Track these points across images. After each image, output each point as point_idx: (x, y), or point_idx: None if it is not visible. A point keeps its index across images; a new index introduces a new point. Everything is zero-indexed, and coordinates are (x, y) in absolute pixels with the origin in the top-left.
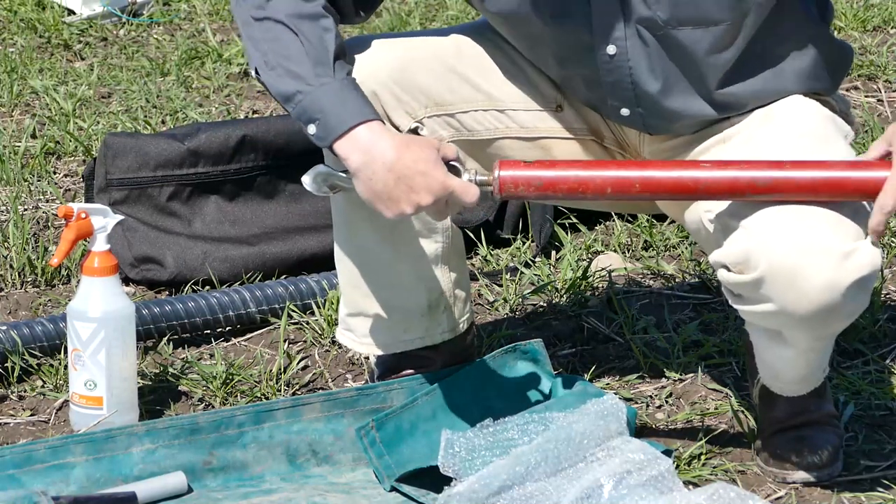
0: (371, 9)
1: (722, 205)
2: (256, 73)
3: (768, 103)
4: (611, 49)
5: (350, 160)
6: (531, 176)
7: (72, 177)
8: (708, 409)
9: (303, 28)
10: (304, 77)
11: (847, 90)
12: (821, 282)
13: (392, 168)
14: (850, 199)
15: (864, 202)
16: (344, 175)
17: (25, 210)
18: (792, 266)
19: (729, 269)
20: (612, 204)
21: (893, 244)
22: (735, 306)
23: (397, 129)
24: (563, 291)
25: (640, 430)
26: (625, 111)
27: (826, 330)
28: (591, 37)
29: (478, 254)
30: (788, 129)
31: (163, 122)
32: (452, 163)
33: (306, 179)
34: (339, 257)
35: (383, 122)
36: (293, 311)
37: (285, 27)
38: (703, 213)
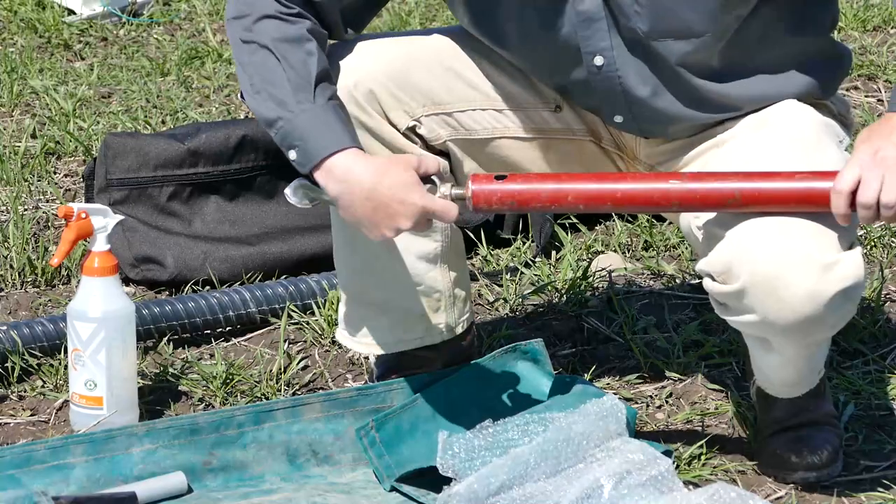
0: (360, 27)
1: (709, 213)
2: (242, 97)
3: (763, 107)
4: (598, 60)
5: (329, 188)
6: (504, 190)
7: (72, 177)
8: (708, 409)
9: (286, 53)
10: (285, 103)
11: (847, 90)
12: (802, 292)
13: (369, 196)
14: (808, 209)
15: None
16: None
17: (25, 210)
18: (773, 276)
19: (713, 279)
20: None
21: (893, 244)
22: (722, 316)
23: (395, 127)
24: (563, 291)
25: (640, 431)
26: (618, 118)
27: (810, 339)
28: (578, 48)
29: (478, 254)
30: (781, 134)
31: (163, 122)
32: (433, 177)
33: (288, 192)
34: (339, 257)
35: (362, 148)
36: (293, 311)
37: (269, 52)
38: (692, 219)
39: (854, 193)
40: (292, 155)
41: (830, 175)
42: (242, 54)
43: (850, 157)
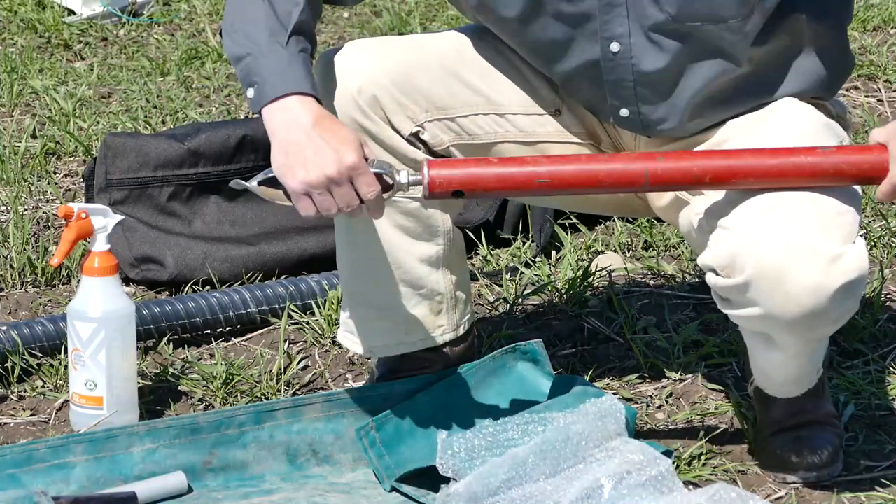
0: None
1: (711, 207)
2: (220, 35)
3: (764, 104)
4: (615, 46)
5: (272, 122)
6: (460, 174)
7: (72, 177)
8: (708, 409)
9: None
10: (258, 41)
11: (847, 90)
12: (807, 285)
13: (307, 132)
14: (837, 182)
15: (857, 201)
16: (253, 185)
17: (25, 210)
18: (778, 269)
19: (717, 273)
20: (608, 207)
21: (893, 244)
22: (724, 311)
23: (398, 133)
24: (563, 291)
25: (640, 431)
26: (624, 111)
27: (814, 334)
28: (595, 34)
29: (478, 254)
30: (782, 133)
31: (163, 122)
32: (381, 170)
33: (253, 184)
34: (341, 260)
35: (319, 101)
36: (293, 311)
37: None
38: (692, 215)
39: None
40: (250, 93)
41: (862, 149)
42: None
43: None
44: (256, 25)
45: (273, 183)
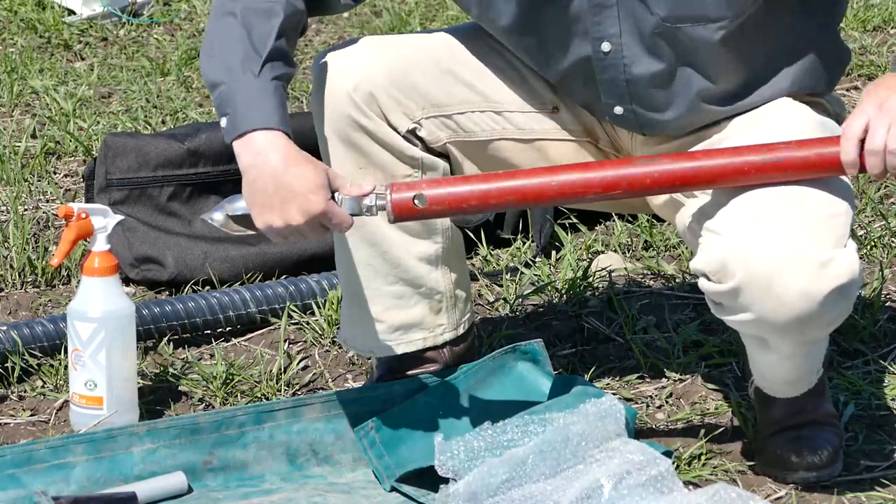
0: None
1: (703, 210)
2: (199, 55)
3: (763, 103)
4: (605, 46)
5: (241, 158)
6: (425, 196)
7: (72, 177)
8: (708, 409)
9: (251, 22)
10: (232, 70)
11: (847, 90)
12: (797, 290)
13: (276, 177)
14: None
15: (848, 206)
16: (220, 219)
17: (25, 210)
18: (768, 274)
19: (709, 278)
20: (606, 204)
21: (893, 244)
22: (717, 315)
23: (395, 130)
24: (563, 291)
25: (640, 431)
26: (618, 109)
27: (806, 337)
28: (586, 34)
29: (478, 254)
30: (778, 133)
31: (163, 122)
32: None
33: (218, 217)
34: (340, 259)
35: (289, 135)
36: (293, 311)
37: (236, 19)
38: (686, 216)
39: (862, 142)
40: (223, 122)
41: (830, 141)
42: (213, 17)
43: (856, 107)
44: (232, 50)
45: (243, 219)
